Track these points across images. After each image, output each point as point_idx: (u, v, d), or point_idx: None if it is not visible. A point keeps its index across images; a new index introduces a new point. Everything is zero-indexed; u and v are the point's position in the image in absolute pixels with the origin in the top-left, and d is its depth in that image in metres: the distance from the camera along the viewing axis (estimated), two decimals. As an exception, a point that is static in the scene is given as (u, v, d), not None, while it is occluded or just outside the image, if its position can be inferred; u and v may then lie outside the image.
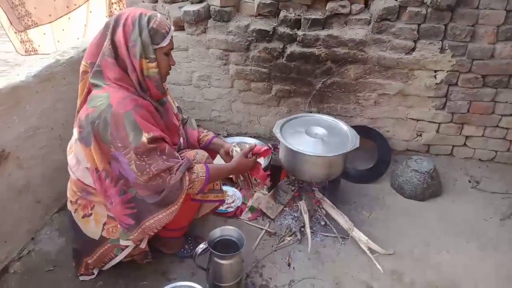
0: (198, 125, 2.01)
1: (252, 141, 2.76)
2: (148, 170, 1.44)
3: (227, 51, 2.59)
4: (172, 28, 1.55)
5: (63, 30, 2.44)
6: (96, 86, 1.50)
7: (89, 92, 1.55)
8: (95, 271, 1.77)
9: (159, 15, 1.51)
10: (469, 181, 2.51)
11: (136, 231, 1.54)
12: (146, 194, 1.49)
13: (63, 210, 2.16)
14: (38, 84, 1.93)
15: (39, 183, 1.99)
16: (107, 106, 1.43)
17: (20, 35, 2.49)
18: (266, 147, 1.89)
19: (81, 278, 1.77)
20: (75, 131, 1.56)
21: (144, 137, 1.43)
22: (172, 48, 1.57)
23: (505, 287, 1.82)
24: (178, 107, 1.90)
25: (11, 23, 2.42)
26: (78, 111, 1.60)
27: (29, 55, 2.16)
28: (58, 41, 2.36)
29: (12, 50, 2.67)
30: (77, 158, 1.58)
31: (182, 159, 1.55)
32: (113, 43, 1.47)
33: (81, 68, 1.59)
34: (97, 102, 1.46)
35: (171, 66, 1.60)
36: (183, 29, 2.61)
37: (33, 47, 2.14)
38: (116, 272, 1.79)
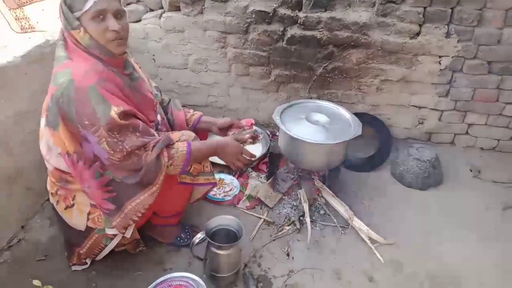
0: (183, 106, 1.91)
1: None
2: (121, 147, 1.34)
3: (224, 33, 2.49)
4: None
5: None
6: (58, 60, 1.40)
7: None
8: (88, 261, 1.72)
9: None
10: (471, 170, 2.47)
11: (118, 216, 1.47)
12: (123, 175, 1.41)
13: (54, 197, 2.10)
14: (27, 66, 1.84)
15: (29, 169, 1.92)
16: (70, 82, 1.31)
17: (15, 12, 2.36)
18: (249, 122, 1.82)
19: (74, 268, 1.72)
20: (44, 116, 1.46)
21: (113, 111, 1.32)
22: (104, 10, 1.34)
23: (506, 278, 1.79)
24: (156, 87, 1.78)
25: (3, 0, 2.29)
26: None
27: (26, 32, 2.04)
28: (58, 18, 2.24)
29: (2, 28, 2.55)
30: (48, 145, 1.49)
31: (159, 136, 1.47)
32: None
33: None
34: (59, 79, 1.35)
35: (115, 31, 1.37)
36: (179, 10, 2.50)
37: (29, 24, 2.01)
38: (109, 262, 1.74)
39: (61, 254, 1.77)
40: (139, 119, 1.44)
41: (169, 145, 1.46)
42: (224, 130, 1.85)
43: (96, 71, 1.37)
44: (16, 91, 1.79)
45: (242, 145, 1.70)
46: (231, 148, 1.64)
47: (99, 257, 1.67)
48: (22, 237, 1.87)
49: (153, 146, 1.41)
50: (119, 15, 1.40)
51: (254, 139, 1.77)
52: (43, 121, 1.49)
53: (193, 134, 1.59)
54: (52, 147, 1.47)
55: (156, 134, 1.48)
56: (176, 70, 2.72)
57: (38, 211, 2.01)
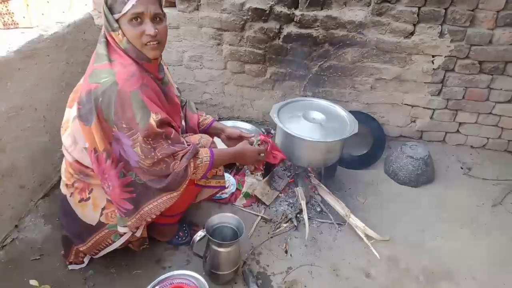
0: (196, 108, 1.92)
1: (245, 125, 2.70)
2: (153, 154, 1.36)
3: (220, 30, 2.48)
4: None
5: (48, 2, 2.27)
6: (98, 57, 1.39)
7: None
8: (86, 260, 1.69)
9: None
10: (461, 168, 2.53)
11: (134, 216, 1.46)
12: (148, 179, 1.42)
13: (48, 195, 2.06)
14: (20, 61, 1.79)
15: (23, 167, 1.88)
16: (113, 84, 1.32)
17: (-2, 7, 2.31)
18: (280, 155, 1.86)
19: (70, 267, 1.69)
20: (75, 107, 1.43)
21: (152, 119, 1.35)
22: (141, 13, 1.33)
23: (497, 272, 1.85)
24: (177, 89, 1.79)
25: (-15, -5, 2.23)
26: (75, 90, 1.49)
27: (8, 28, 2.00)
28: (43, 14, 2.20)
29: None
30: (74, 137, 1.47)
31: (188, 145, 1.48)
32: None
33: None
34: (100, 78, 1.34)
35: (150, 35, 1.36)
36: (174, 6, 2.47)
37: (13, 20, 1.97)
38: (107, 261, 1.72)
39: (57, 253, 1.74)
40: (172, 126, 1.46)
41: (195, 154, 1.49)
42: (232, 140, 1.85)
43: (139, 76, 1.37)
44: (9, 87, 1.75)
45: (259, 147, 1.77)
46: (249, 153, 1.70)
47: (101, 254, 1.63)
48: (16, 237, 1.83)
49: (182, 156, 1.43)
50: (157, 18, 1.39)
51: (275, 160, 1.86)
52: (71, 113, 1.46)
53: (210, 139, 1.64)
54: (78, 140, 1.46)
55: (185, 142, 1.50)
56: (171, 67, 2.69)
57: (32, 209, 1.97)
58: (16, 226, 1.87)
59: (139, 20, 1.34)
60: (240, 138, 1.83)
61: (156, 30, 1.36)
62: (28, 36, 1.87)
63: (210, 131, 1.85)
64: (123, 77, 1.33)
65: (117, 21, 1.35)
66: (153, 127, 1.35)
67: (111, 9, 1.34)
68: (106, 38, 1.40)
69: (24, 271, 1.68)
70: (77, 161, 1.51)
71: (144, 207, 1.45)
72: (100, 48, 1.40)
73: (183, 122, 1.69)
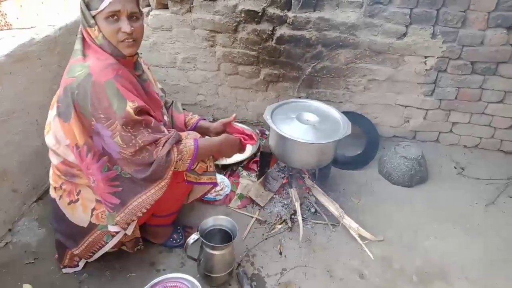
0: (183, 109, 1.92)
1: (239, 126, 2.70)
2: (134, 141, 1.36)
3: (213, 32, 2.49)
4: None
5: (42, 2, 2.25)
6: (75, 53, 1.41)
7: None
8: (81, 264, 1.69)
9: None
10: (455, 167, 2.55)
11: (122, 211, 1.45)
12: (132, 170, 1.41)
13: (42, 199, 2.05)
14: (12, 65, 1.78)
15: (16, 171, 1.87)
16: (87, 75, 1.33)
17: (-10, 8, 2.29)
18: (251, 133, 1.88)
19: (65, 270, 1.69)
20: (54, 107, 1.44)
21: (129, 106, 1.35)
22: (118, 11, 1.35)
23: (490, 271, 1.86)
24: (161, 89, 1.80)
25: (-22, -4, 2.21)
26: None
27: (1, 29, 1.98)
28: (37, 15, 2.18)
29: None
30: (56, 136, 1.47)
31: (169, 133, 1.48)
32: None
33: None
34: (75, 72, 1.35)
35: (126, 33, 1.38)
36: (167, 8, 2.48)
37: (6, 21, 1.96)
38: (101, 264, 1.72)
39: (51, 257, 1.74)
40: (151, 116, 1.46)
41: (178, 140, 1.48)
42: (220, 134, 1.84)
43: (113, 67, 1.38)
44: (0, 91, 1.74)
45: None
46: (232, 141, 1.71)
47: (96, 256, 1.63)
48: (9, 240, 1.82)
49: (165, 142, 1.43)
50: (134, 17, 1.41)
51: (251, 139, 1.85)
52: (52, 113, 1.47)
53: (198, 134, 1.63)
54: (60, 139, 1.46)
55: (166, 131, 1.50)
56: (164, 69, 2.70)
57: (26, 213, 1.96)
58: (9, 230, 1.87)
59: (115, 17, 1.37)
60: (224, 126, 1.85)
61: (132, 28, 1.38)
62: (19, 40, 1.86)
63: (197, 130, 1.84)
64: (97, 69, 1.35)
65: (93, 17, 1.36)
66: (130, 114, 1.34)
67: (88, 6, 1.36)
68: (82, 34, 1.42)
69: (18, 275, 1.67)
70: (62, 162, 1.51)
71: (132, 202, 1.44)
72: (77, 44, 1.42)
73: (165, 118, 1.68)
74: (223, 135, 1.71)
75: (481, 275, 1.84)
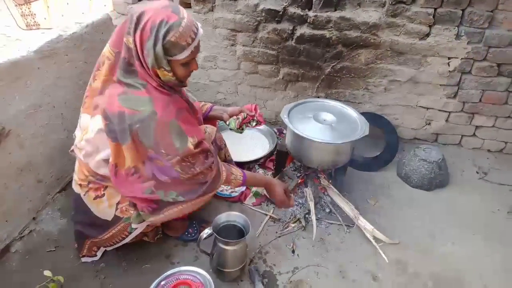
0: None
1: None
2: (192, 169, 1.45)
3: (234, 31, 2.51)
4: (198, 35, 1.38)
5: (67, 3, 2.34)
6: (130, 85, 1.40)
7: (106, 80, 1.46)
8: (99, 253, 1.75)
9: (185, 22, 1.32)
10: (477, 172, 2.47)
11: (159, 214, 1.52)
12: (185, 189, 1.48)
13: (65, 190, 2.13)
14: (40, 60, 1.86)
15: (40, 162, 1.95)
16: (151, 113, 1.37)
17: (21, 8, 2.40)
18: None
19: (83, 259, 1.75)
20: (100, 121, 1.44)
21: (190, 143, 1.43)
22: (195, 57, 1.44)
23: (509, 281, 1.80)
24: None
25: (10, -4, 2.33)
26: (89, 96, 1.52)
27: (31, 29, 2.07)
28: (62, 15, 2.27)
29: (12, 24, 2.58)
30: (98, 147, 1.50)
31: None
32: (134, 41, 1.35)
33: (105, 53, 1.48)
34: (138, 106, 1.37)
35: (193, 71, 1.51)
36: (190, 7, 2.52)
37: (35, 21, 2.05)
38: (118, 254, 1.78)
39: (71, 245, 1.81)
40: (204, 139, 1.54)
41: (228, 171, 1.63)
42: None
43: (174, 102, 1.44)
44: (28, 85, 1.82)
45: (287, 186, 1.90)
46: (279, 188, 1.80)
47: (114, 247, 1.68)
48: (33, 228, 1.91)
49: (213, 165, 1.53)
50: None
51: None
52: (93, 122, 1.48)
53: (214, 128, 1.73)
54: (101, 151, 1.49)
55: (212, 148, 1.59)
56: (185, 67, 2.74)
57: (49, 203, 2.05)
58: (34, 218, 1.96)
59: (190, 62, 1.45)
60: (241, 111, 1.93)
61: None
62: (47, 36, 1.94)
63: (212, 114, 1.93)
64: (161, 106, 1.39)
65: (168, 61, 1.38)
66: (191, 150, 1.43)
67: (166, 51, 1.34)
68: (132, 65, 1.40)
69: (39, 262, 1.75)
70: (93, 169, 1.56)
71: (173, 208, 1.52)
72: (126, 78, 1.41)
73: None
74: (273, 179, 1.88)
75: (500, 284, 1.78)
